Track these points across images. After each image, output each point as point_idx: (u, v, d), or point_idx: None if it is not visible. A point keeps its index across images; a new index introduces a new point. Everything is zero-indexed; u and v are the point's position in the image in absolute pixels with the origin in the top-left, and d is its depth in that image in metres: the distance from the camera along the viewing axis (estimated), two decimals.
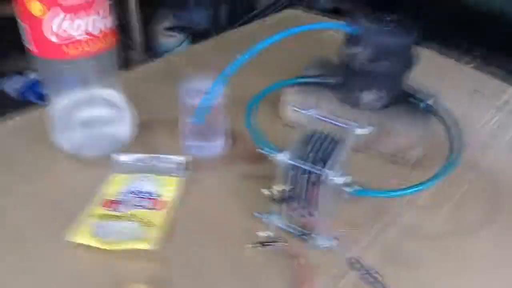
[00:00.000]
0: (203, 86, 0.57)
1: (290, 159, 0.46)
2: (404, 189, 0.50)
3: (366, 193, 0.51)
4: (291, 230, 0.50)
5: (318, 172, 0.45)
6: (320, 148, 0.47)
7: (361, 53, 0.57)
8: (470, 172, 0.61)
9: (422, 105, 0.58)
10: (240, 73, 0.54)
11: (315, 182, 0.45)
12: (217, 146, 0.61)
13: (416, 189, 0.50)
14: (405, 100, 0.61)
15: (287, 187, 0.46)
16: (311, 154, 0.47)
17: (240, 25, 0.97)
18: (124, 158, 0.56)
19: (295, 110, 0.52)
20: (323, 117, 0.51)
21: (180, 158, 0.57)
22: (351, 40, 0.58)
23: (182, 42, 1.77)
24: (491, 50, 0.81)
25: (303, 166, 0.45)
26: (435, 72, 0.79)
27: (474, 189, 0.59)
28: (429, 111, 0.59)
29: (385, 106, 0.61)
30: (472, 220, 0.55)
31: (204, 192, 0.56)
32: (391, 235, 0.52)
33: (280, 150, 0.47)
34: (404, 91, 0.61)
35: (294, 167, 0.46)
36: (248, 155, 0.61)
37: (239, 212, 0.53)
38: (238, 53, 0.54)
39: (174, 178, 0.55)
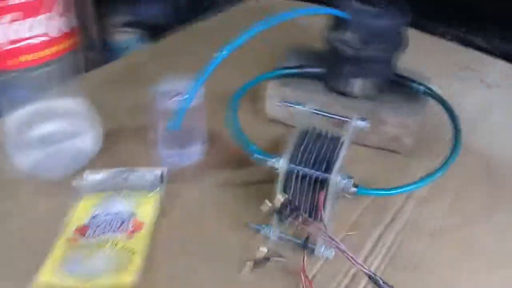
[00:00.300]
0: (178, 87, 0.50)
1: (289, 165, 0.40)
2: (410, 184, 0.45)
3: (371, 192, 0.46)
4: (293, 241, 0.44)
5: (324, 176, 0.39)
6: (319, 147, 0.42)
7: (352, 37, 0.51)
8: (466, 157, 0.57)
9: (421, 88, 0.53)
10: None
11: (320, 187, 0.39)
12: (195, 152, 0.54)
13: (422, 183, 0.45)
14: (399, 84, 0.56)
15: (289, 196, 0.40)
16: (311, 156, 0.41)
17: (202, 17, 0.89)
18: (91, 175, 0.49)
19: (286, 105, 0.46)
20: (318, 111, 0.46)
21: (156, 170, 0.50)
22: (340, 24, 0.52)
23: (140, 38, 1.67)
24: (476, 23, 0.78)
25: (305, 171, 0.40)
26: (419, 51, 0.75)
27: (473, 176, 0.55)
28: (428, 95, 0.54)
29: (378, 93, 0.56)
30: (477, 210, 0.51)
31: (186, 207, 0.49)
32: (395, 234, 0.47)
33: (274, 154, 0.41)
34: (397, 74, 0.56)
35: (294, 173, 0.40)
36: (230, 159, 0.55)
37: (228, 225, 0.47)
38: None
39: (151, 193, 0.48)
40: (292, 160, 0.40)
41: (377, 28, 0.51)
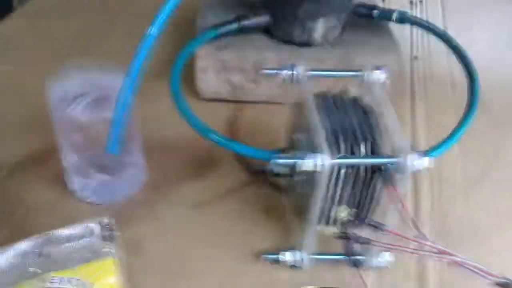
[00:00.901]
0: (82, 85, 0.32)
1: (335, 160, 0.26)
2: (451, 136, 0.35)
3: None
4: (335, 259, 0.31)
5: (391, 162, 0.26)
6: (347, 122, 0.29)
7: None
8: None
9: (394, 15, 0.43)
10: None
11: (386, 178, 0.26)
12: (134, 175, 0.36)
13: (460, 131, 0.35)
14: (358, 17, 0.44)
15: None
16: (347, 137, 0.27)
17: None
18: None
19: (268, 73, 0.32)
20: (314, 71, 0.32)
21: (90, 223, 0.31)
22: None
23: None
24: None
25: (359, 161, 0.26)
26: None
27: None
28: (406, 21, 0.43)
29: (341, 33, 0.44)
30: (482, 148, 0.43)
31: (164, 264, 0.32)
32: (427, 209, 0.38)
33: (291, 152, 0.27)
34: (358, 5, 0.44)
35: (342, 169, 0.26)
36: (182, 167, 0.39)
37: (236, 268, 0.32)
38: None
39: (104, 263, 0.30)
40: (333, 151, 0.26)
41: None
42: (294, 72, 0.31)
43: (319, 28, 0.42)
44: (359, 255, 0.31)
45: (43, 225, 0.32)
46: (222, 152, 0.39)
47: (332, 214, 0.27)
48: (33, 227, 0.32)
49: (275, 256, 0.31)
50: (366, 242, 0.26)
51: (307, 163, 0.25)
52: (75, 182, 0.35)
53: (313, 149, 0.26)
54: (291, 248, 0.31)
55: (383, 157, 0.26)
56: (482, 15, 0.62)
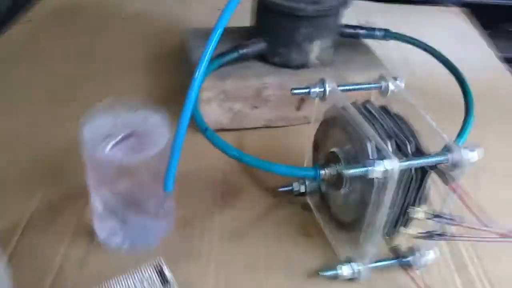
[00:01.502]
0: (116, 123, 0.30)
1: (400, 163, 0.27)
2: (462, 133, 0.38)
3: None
4: (385, 263, 0.32)
5: (448, 159, 0.28)
6: (389, 127, 0.30)
7: None
8: None
9: (379, 34, 0.46)
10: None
11: (443, 175, 0.28)
12: (168, 213, 0.35)
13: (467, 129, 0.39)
14: (344, 36, 0.47)
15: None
16: (395, 143, 0.29)
17: None
18: None
19: (299, 93, 0.33)
20: (344, 86, 0.34)
21: (150, 266, 0.29)
22: None
23: None
24: None
25: (423, 162, 0.28)
26: None
27: None
28: (389, 37, 0.47)
29: (332, 54, 0.46)
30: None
31: None
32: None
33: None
34: (345, 26, 0.47)
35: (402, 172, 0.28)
36: (210, 204, 0.38)
37: None
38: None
39: None
40: (397, 155, 0.27)
41: None
42: (324, 88, 0.33)
43: (315, 50, 0.44)
44: (407, 256, 0.32)
45: (82, 281, 0.30)
46: (241, 179, 0.40)
47: (406, 216, 0.28)
48: (72, 286, 0.30)
49: (332, 272, 0.31)
50: (450, 237, 0.27)
51: (378, 170, 0.26)
52: (107, 229, 0.32)
53: (363, 157, 0.27)
54: (339, 262, 0.32)
55: (438, 155, 0.28)
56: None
